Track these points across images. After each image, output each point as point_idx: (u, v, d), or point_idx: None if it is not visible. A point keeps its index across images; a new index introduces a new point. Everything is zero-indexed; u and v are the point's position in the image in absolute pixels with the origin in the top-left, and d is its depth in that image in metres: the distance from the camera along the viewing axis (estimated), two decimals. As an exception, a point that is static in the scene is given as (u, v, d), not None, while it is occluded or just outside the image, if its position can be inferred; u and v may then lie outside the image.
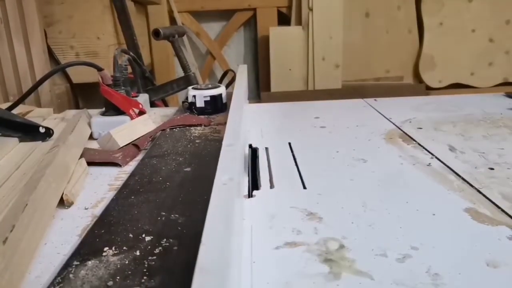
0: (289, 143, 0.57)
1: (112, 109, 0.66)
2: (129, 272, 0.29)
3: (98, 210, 0.40)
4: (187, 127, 0.64)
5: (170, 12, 2.00)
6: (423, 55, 2.31)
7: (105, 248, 0.32)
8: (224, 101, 0.72)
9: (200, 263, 0.22)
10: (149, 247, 0.32)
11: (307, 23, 1.89)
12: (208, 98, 0.70)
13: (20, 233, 0.31)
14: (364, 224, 0.36)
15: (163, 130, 0.63)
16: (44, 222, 0.37)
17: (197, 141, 0.57)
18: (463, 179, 0.44)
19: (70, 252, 0.32)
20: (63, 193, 0.42)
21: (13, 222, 0.31)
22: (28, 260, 0.32)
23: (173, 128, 0.64)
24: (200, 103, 0.70)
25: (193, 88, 0.72)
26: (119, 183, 0.46)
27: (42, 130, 0.58)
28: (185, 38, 2.06)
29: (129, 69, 0.74)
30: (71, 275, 0.29)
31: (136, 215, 0.37)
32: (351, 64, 1.99)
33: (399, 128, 0.62)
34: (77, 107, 1.09)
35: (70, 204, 0.41)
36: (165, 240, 0.33)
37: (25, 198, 0.36)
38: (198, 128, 0.63)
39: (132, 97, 0.69)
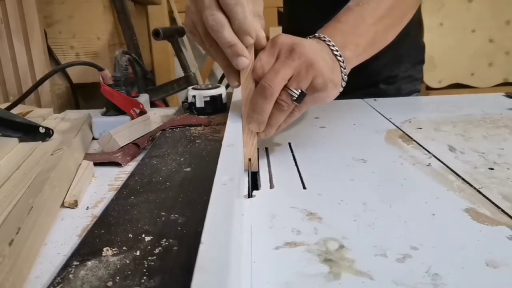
0: (289, 143, 0.57)
1: (113, 109, 0.66)
2: (129, 272, 0.29)
3: (98, 210, 0.40)
4: (187, 127, 0.64)
5: (170, 12, 2.00)
6: (423, 55, 2.31)
7: (105, 248, 0.32)
8: (224, 101, 0.72)
9: (199, 263, 0.22)
10: (149, 247, 0.32)
11: (307, 23, 1.89)
12: (208, 99, 0.70)
13: (25, 235, 0.31)
14: (364, 224, 0.36)
15: (163, 130, 0.63)
16: (48, 225, 0.37)
17: (197, 141, 0.57)
18: (463, 179, 0.44)
19: (69, 252, 0.32)
20: (66, 195, 0.42)
21: (19, 224, 0.31)
22: (31, 263, 0.32)
23: (173, 128, 0.64)
24: (200, 103, 0.70)
25: (193, 88, 0.72)
26: (119, 183, 0.46)
27: (42, 130, 0.58)
28: (185, 38, 2.06)
29: (130, 69, 0.74)
30: (70, 276, 0.29)
31: (136, 215, 0.37)
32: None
33: (399, 128, 0.62)
34: (77, 107, 1.09)
35: (74, 205, 0.41)
36: (165, 240, 0.33)
37: (30, 200, 0.36)
38: (198, 128, 0.63)
39: (133, 97, 0.69)
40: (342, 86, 0.50)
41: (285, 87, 0.45)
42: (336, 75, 0.48)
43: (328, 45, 0.48)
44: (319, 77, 0.45)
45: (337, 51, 0.48)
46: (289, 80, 0.45)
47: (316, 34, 0.50)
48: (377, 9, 0.53)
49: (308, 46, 0.46)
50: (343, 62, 0.48)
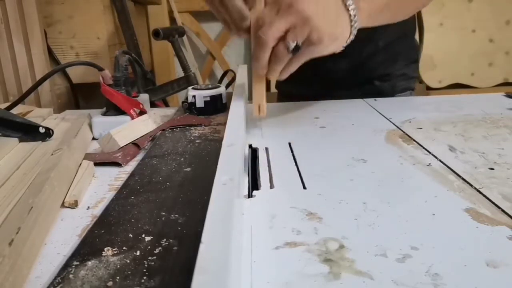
0: (289, 143, 0.57)
1: (113, 109, 0.66)
2: (129, 272, 0.29)
3: (98, 210, 0.40)
4: (187, 127, 0.64)
5: (170, 12, 2.00)
6: (423, 55, 2.30)
7: (105, 248, 0.32)
8: (224, 101, 0.72)
9: (199, 263, 0.22)
10: (149, 247, 0.32)
11: (307, 23, 1.89)
12: (208, 98, 0.70)
13: (25, 235, 0.31)
14: (364, 224, 0.36)
15: (163, 130, 0.63)
16: (47, 225, 0.37)
17: (197, 141, 0.57)
18: (463, 179, 0.44)
19: (70, 252, 0.32)
20: (65, 195, 0.42)
21: (19, 224, 0.31)
22: (31, 263, 0.32)
23: (173, 128, 0.64)
24: (200, 103, 0.70)
25: (193, 88, 0.72)
26: (119, 183, 0.46)
27: (42, 130, 0.58)
28: (185, 38, 2.06)
29: (130, 69, 0.74)
30: (71, 275, 0.29)
31: (136, 215, 0.37)
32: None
33: (399, 128, 0.62)
34: (77, 107, 1.09)
35: (74, 205, 0.41)
36: (165, 240, 0.33)
37: (30, 200, 0.36)
38: (198, 128, 0.63)
39: (133, 97, 0.69)
40: (348, 38, 0.52)
41: (283, 39, 0.49)
42: (339, 28, 0.50)
43: None
44: (315, 32, 0.48)
45: None
46: (286, 33, 0.49)
47: None
48: None
49: (309, 1, 0.48)
50: (354, 15, 0.50)
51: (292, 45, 0.49)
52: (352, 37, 0.52)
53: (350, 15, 0.50)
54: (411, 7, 0.61)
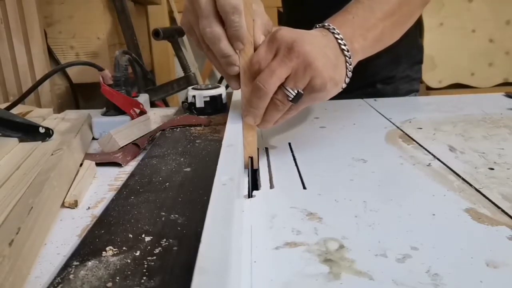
0: (289, 143, 0.57)
1: (113, 109, 0.66)
2: (129, 273, 0.29)
3: (98, 210, 0.40)
4: (187, 127, 0.64)
5: (170, 12, 2.00)
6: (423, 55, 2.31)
7: (105, 249, 0.32)
8: (224, 101, 0.72)
9: (199, 263, 0.22)
10: (149, 247, 0.32)
11: (307, 23, 1.89)
12: (208, 99, 0.70)
13: (25, 236, 0.31)
14: (364, 224, 0.36)
15: (163, 130, 0.63)
16: (48, 225, 0.37)
17: (197, 141, 0.57)
18: (463, 179, 0.44)
19: (69, 252, 0.32)
20: (66, 196, 0.42)
21: (19, 224, 0.31)
22: (31, 263, 0.32)
23: (173, 128, 0.64)
24: (200, 104, 0.70)
25: (192, 88, 0.72)
26: (119, 183, 0.46)
27: (42, 130, 0.58)
28: (185, 38, 2.06)
29: (130, 69, 0.74)
30: (70, 276, 0.29)
31: (136, 215, 0.37)
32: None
33: (399, 128, 0.62)
34: (77, 107, 1.08)
35: (74, 205, 0.41)
36: (165, 240, 0.33)
37: (30, 201, 0.36)
38: (198, 128, 0.63)
39: (133, 97, 0.69)
40: (345, 82, 0.48)
41: (282, 86, 0.44)
42: (338, 72, 0.47)
43: (336, 38, 0.47)
44: (318, 78, 0.44)
45: (344, 45, 0.47)
46: (286, 79, 0.44)
47: (326, 24, 0.48)
48: (387, 4, 0.52)
49: (309, 43, 0.44)
50: (349, 57, 0.47)
51: (293, 93, 0.44)
52: (347, 80, 0.48)
53: (346, 58, 0.47)
54: (402, 28, 0.58)
